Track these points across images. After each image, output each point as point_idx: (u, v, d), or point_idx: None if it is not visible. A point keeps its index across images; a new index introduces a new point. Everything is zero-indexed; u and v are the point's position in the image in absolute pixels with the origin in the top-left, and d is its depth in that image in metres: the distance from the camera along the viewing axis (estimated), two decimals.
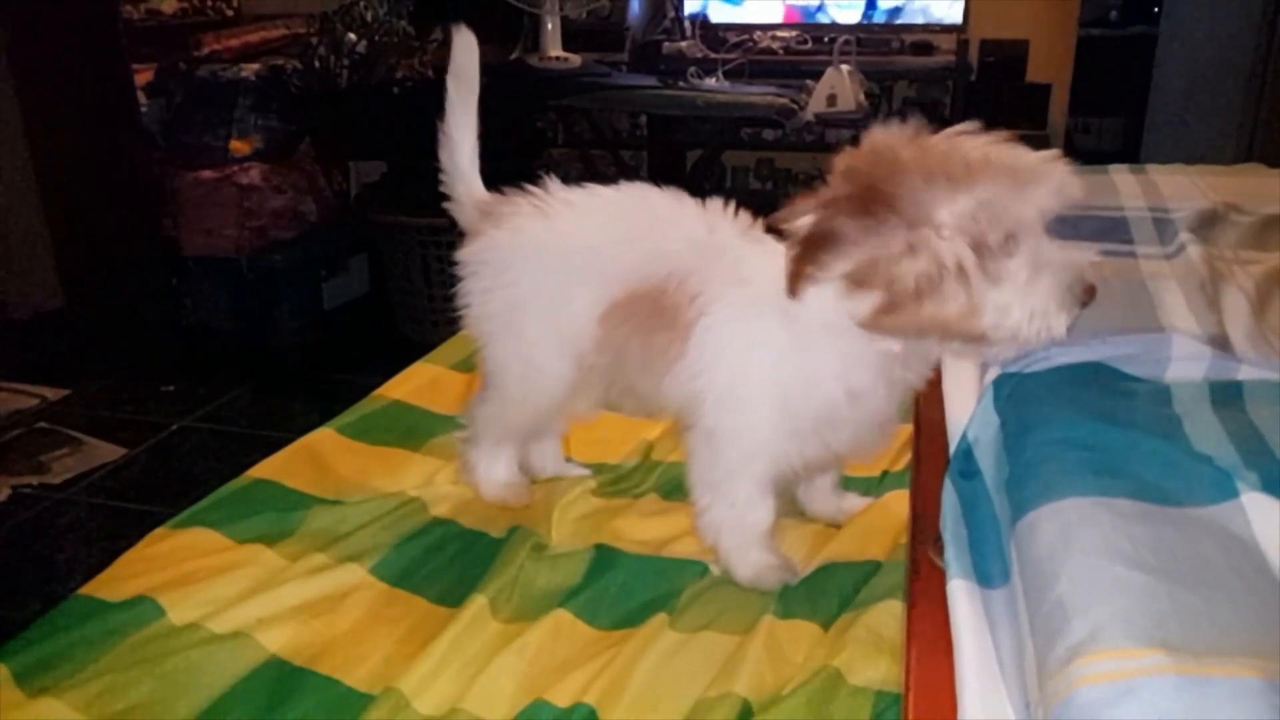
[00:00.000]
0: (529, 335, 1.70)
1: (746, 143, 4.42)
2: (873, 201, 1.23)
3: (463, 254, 1.75)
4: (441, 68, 1.73)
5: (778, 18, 4.32)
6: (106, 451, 2.69)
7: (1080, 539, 0.83)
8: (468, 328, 1.78)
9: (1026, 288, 1.21)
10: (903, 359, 1.40)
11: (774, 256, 1.40)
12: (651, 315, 1.55)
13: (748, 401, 1.50)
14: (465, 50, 1.74)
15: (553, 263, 1.66)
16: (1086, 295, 1.20)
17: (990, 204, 1.20)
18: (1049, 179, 1.21)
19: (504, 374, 1.76)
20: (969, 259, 1.20)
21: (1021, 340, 1.22)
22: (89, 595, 1.64)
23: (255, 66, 3.60)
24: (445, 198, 1.78)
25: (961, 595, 0.97)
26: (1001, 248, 1.20)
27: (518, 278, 1.69)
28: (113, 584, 1.66)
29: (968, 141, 1.24)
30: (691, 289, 1.50)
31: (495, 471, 1.89)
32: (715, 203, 1.59)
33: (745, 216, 1.57)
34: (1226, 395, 1.08)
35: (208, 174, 3.41)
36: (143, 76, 3.57)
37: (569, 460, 2.03)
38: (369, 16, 3.58)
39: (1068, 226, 1.65)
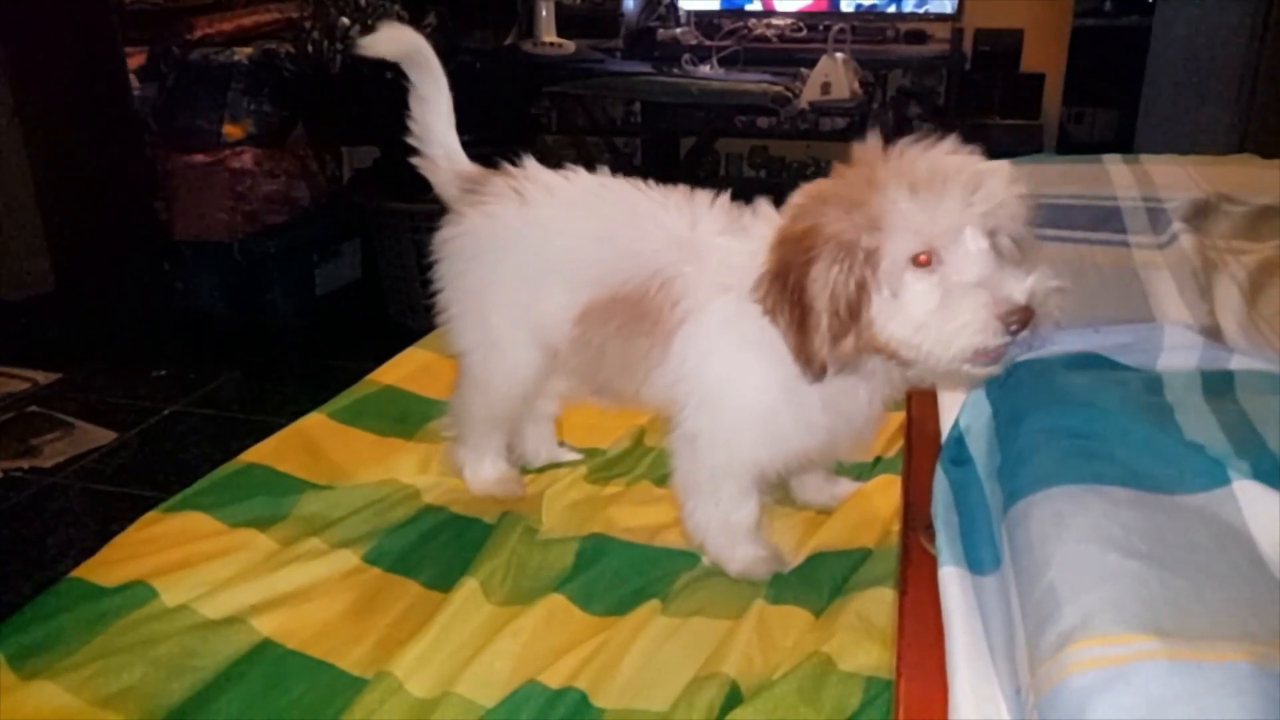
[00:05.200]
0: (495, 320, 1.70)
1: (740, 130, 4.41)
2: (788, 267, 1.26)
3: (439, 236, 1.74)
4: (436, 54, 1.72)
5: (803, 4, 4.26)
6: (98, 435, 2.68)
7: (1072, 526, 0.84)
8: (440, 309, 1.77)
9: (941, 309, 1.17)
10: (874, 374, 1.37)
11: (757, 256, 1.40)
12: (632, 320, 1.54)
13: (728, 409, 1.50)
14: (398, 41, 1.71)
15: (527, 253, 1.65)
16: (1016, 321, 1.13)
17: (900, 220, 1.17)
18: (971, 188, 1.17)
19: (470, 358, 1.76)
20: (869, 279, 1.20)
21: (933, 362, 1.19)
22: (81, 578, 1.64)
23: (248, 50, 3.57)
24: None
25: (953, 582, 0.98)
26: (918, 264, 1.18)
27: (491, 264, 1.68)
28: (105, 567, 1.67)
29: (893, 158, 1.22)
30: (674, 294, 1.49)
31: (482, 469, 1.89)
32: (699, 195, 1.57)
33: (729, 209, 1.55)
34: (1218, 384, 1.08)
35: (200, 158, 3.39)
36: (135, 60, 3.55)
37: (562, 444, 2.04)
38: (362, 1, 3.56)
39: (1062, 216, 1.66)
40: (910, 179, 1.18)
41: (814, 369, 1.30)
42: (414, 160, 1.76)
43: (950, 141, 1.24)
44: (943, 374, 1.23)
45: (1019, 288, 1.14)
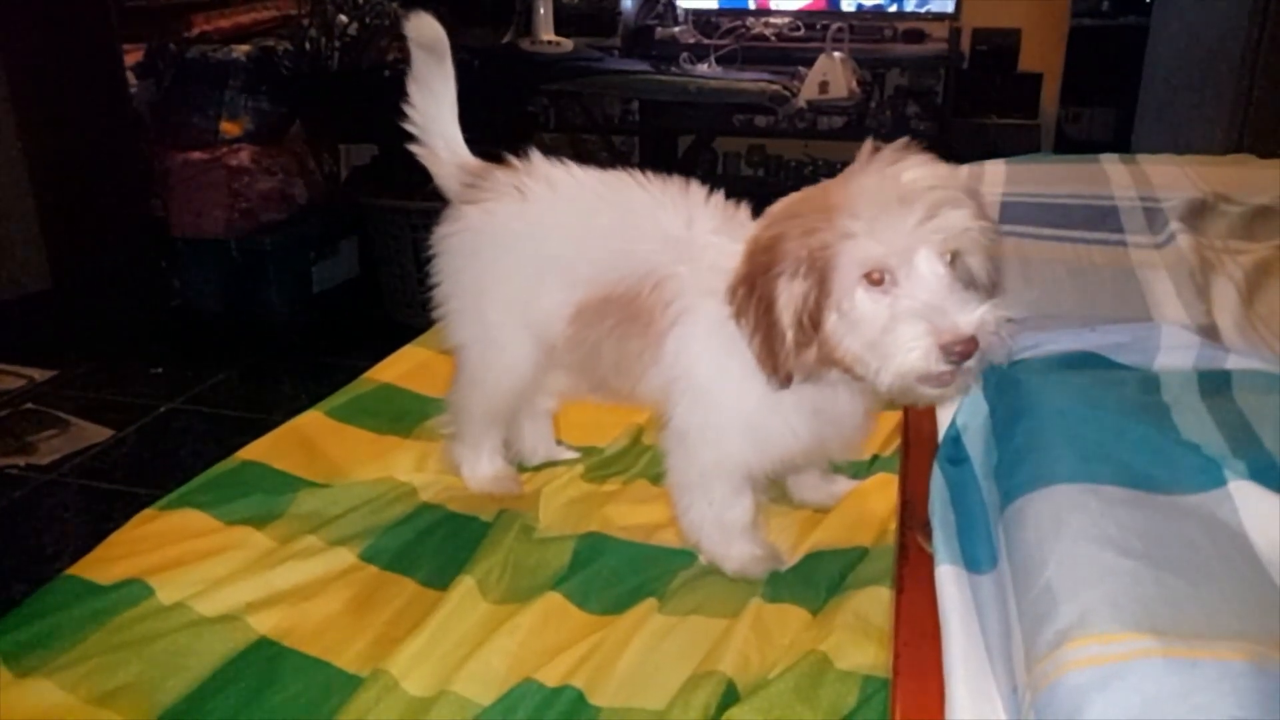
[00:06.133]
0: (493, 317, 1.70)
1: (738, 129, 4.41)
2: (754, 276, 1.28)
3: (438, 231, 1.74)
4: None
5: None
6: (94, 433, 2.68)
7: (1069, 524, 0.84)
8: (438, 303, 1.77)
9: (886, 331, 1.17)
10: (850, 381, 1.35)
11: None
12: (625, 320, 1.54)
13: (716, 409, 1.50)
14: (432, 28, 1.72)
15: (524, 249, 1.65)
16: (959, 352, 1.12)
17: (851, 239, 1.18)
18: (929, 211, 1.16)
19: (468, 354, 1.77)
20: (821, 297, 1.21)
21: (879, 381, 1.19)
22: (77, 576, 1.64)
23: (246, 48, 3.57)
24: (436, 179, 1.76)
25: (950, 580, 0.98)
26: (871, 283, 1.18)
27: (489, 260, 1.68)
28: (101, 565, 1.66)
29: (863, 174, 1.22)
30: (667, 295, 1.49)
31: (479, 467, 1.89)
32: (696, 192, 1.57)
33: (726, 206, 1.55)
34: (1215, 384, 1.09)
35: (197, 155, 3.39)
36: (132, 57, 3.54)
37: (559, 443, 2.03)
38: None
39: (1059, 215, 1.66)
40: (868, 197, 1.18)
41: (778, 376, 1.31)
42: (414, 149, 1.75)
43: (928, 158, 1.23)
44: (892, 392, 1.22)
45: (966, 318, 1.13)
